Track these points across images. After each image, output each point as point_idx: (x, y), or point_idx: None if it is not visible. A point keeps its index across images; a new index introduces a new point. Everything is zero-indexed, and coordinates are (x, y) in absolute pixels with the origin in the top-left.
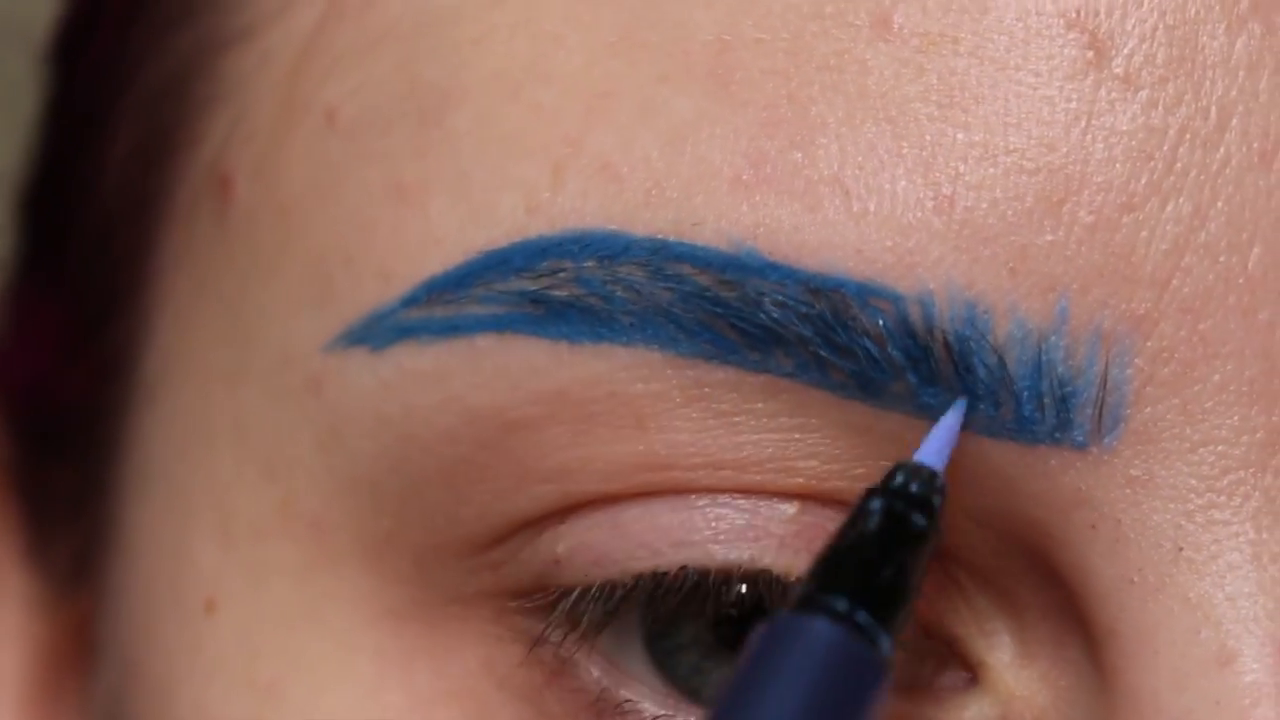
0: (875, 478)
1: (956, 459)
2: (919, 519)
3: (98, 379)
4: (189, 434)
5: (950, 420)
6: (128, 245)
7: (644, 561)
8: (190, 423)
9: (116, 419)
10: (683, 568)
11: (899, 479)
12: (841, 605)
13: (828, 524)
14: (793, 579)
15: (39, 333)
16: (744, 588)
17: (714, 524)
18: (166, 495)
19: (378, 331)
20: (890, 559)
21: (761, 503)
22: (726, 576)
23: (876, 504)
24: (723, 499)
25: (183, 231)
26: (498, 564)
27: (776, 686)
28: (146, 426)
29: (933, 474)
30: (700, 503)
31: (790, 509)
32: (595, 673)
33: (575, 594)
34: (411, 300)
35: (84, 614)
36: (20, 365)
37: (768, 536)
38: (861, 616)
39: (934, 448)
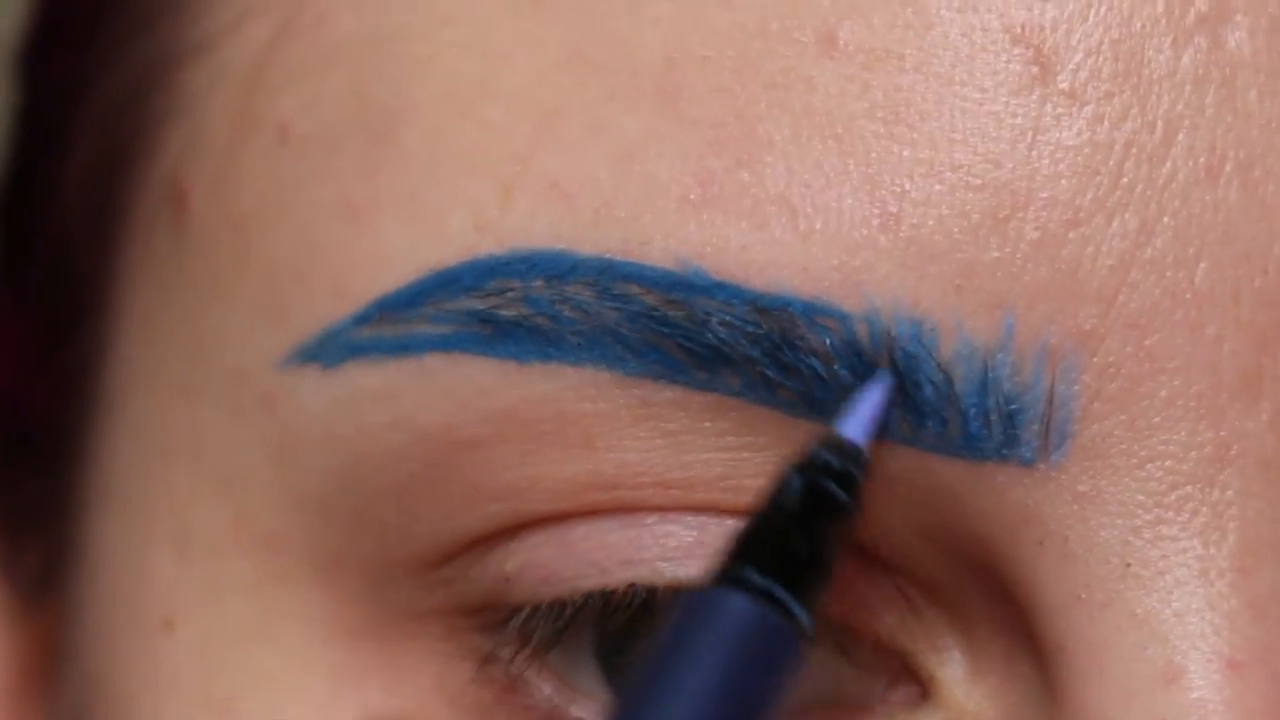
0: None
1: (904, 475)
2: (839, 492)
3: (63, 389)
4: (148, 448)
5: (873, 393)
6: (90, 256)
7: (592, 579)
8: (150, 437)
9: (81, 430)
10: (631, 585)
11: (819, 452)
12: (757, 578)
13: None
14: None
15: (6, 341)
16: None
17: (662, 541)
18: (126, 509)
19: (329, 349)
20: (808, 532)
21: (710, 520)
22: (675, 594)
23: (796, 477)
24: (671, 517)
25: (143, 244)
26: (449, 581)
27: (690, 660)
28: (109, 439)
29: (853, 447)
30: (649, 520)
31: (739, 526)
32: (546, 690)
33: (525, 612)
34: (363, 319)
35: (52, 625)
36: None
37: (716, 554)
38: (777, 590)
39: (856, 421)
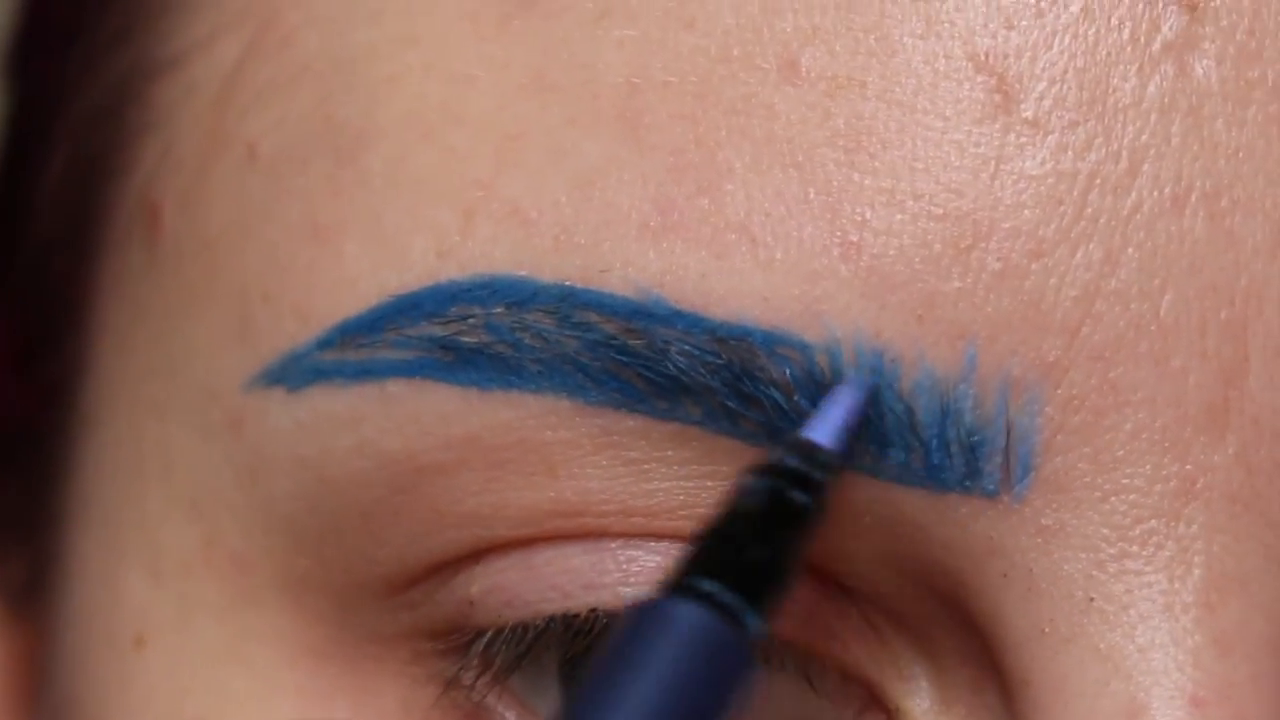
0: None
1: (869, 505)
2: (800, 496)
3: (45, 400)
4: (122, 465)
5: (843, 395)
6: (67, 268)
7: (555, 604)
8: (123, 454)
9: (60, 443)
10: (593, 610)
11: (780, 454)
12: (708, 586)
13: None
14: None
15: None
16: None
17: (625, 566)
18: (101, 526)
19: (294, 372)
20: (765, 538)
21: (674, 546)
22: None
23: (755, 481)
24: (635, 542)
25: (117, 259)
26: (414, 605)
27: (639, 670)
28: (86, 454)
29: (815, 448)
30: (612, 545)
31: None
32: (509, 716)
33: (488, 635)
34: (325, 343)
35: (40, 634)
36: None
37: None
38: (729, 598)
39: (823, 424)
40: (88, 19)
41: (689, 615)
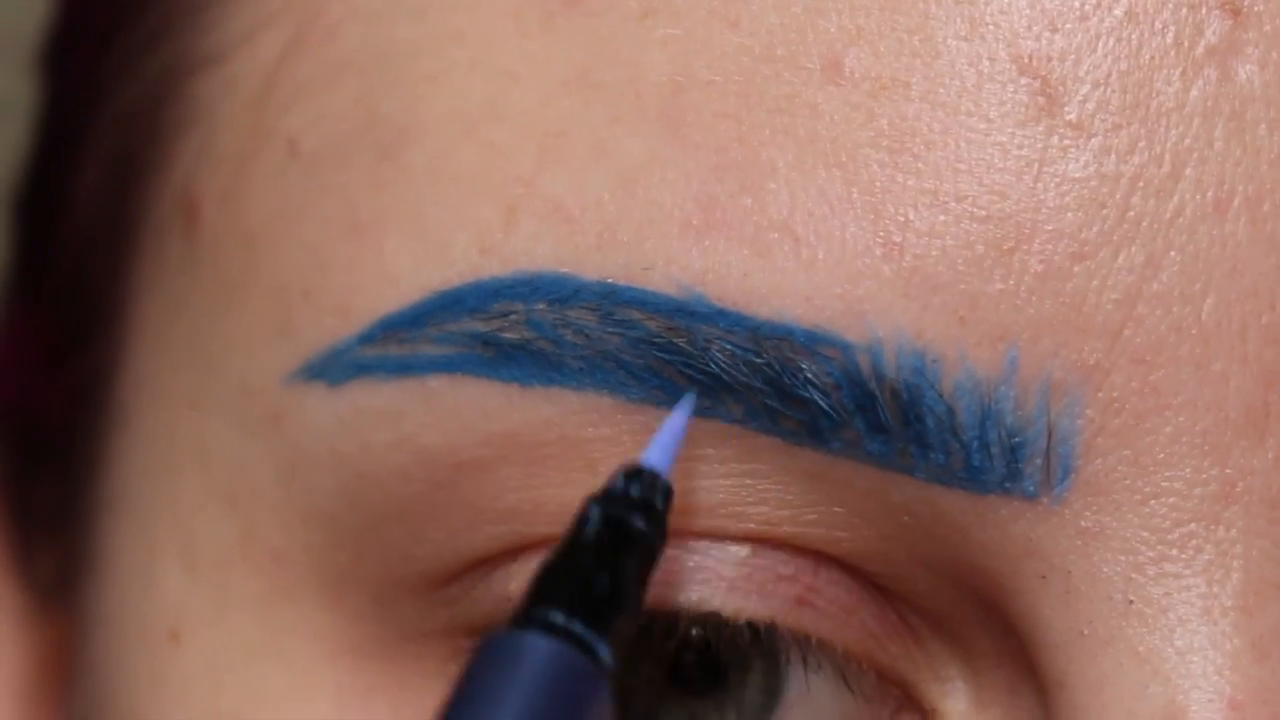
0: (827, 524)
1: (908, 505)
2: (639, 522)
3: (79, 395)
4: (157, 459)
5: (674, 420)
6: (104, 264)
7: None
8: (159, 448)
9: (95, 437)
10: None
11: (619, 483)
12: (556, 617)
13: (779, 566)
14: (742, 621)
15: (24, 346)
16: (694, 630)
17: (663, 565)
18: (135, 520)
19: (335, 368)
20: (608, 566)
21: (712, 545)
22: (675, 619)
23: (594, 510)
24: (673, 540)
25: (154, 254)
26: (452, 601)
27: (493, 704)
28: (119, 449)
29: (654, 476)
30: None
31: (741, 551)
32: None
33: None
34: (367, 338)
35: (68, 629)
36: (6, 376)
37: (717, 579)
38: (576, 626)
39: (658, 449)
40: (125, 16)
41: (541, 647)
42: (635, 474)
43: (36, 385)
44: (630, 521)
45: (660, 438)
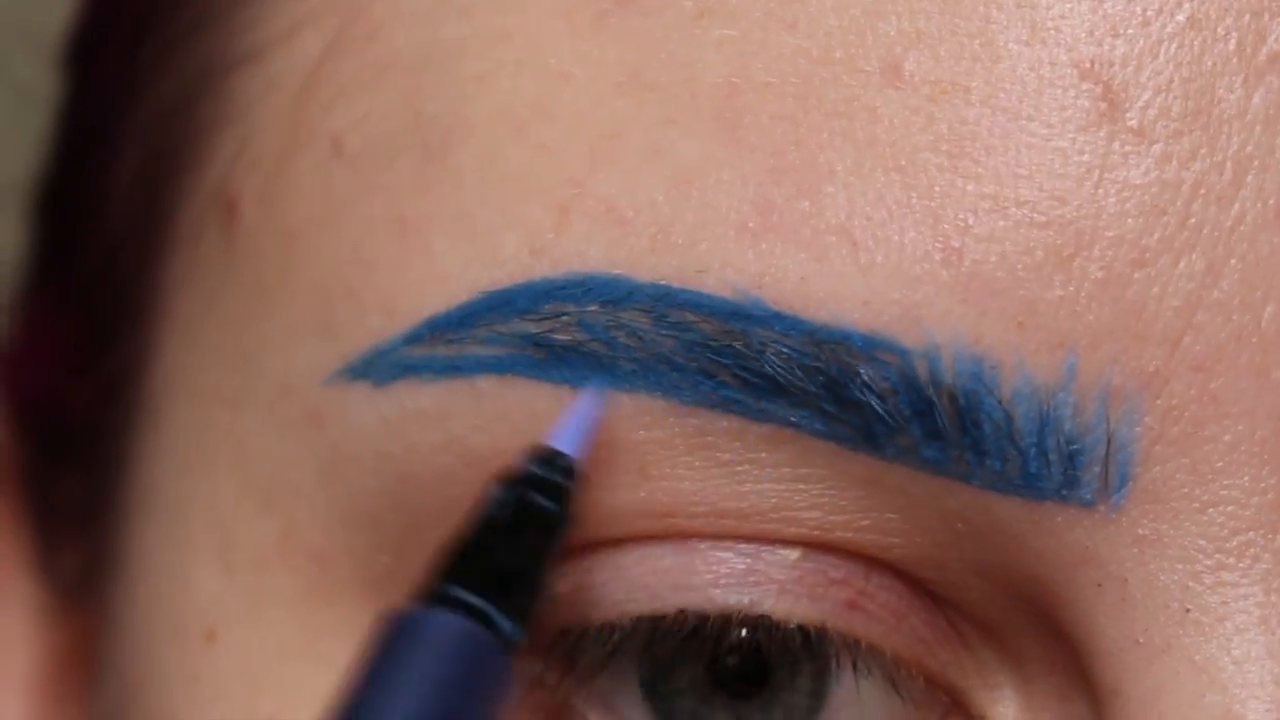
0: (881, 530)
1: (962, 511)
2: (544, 502)
3: (105, 393)
4: (191, 457)
5: (584, 402)
6: (134, 261)
7: (642, 604)
8: (192, 446)
9: (122, 436)
10: (681, 611)
11: (524, 463)
12: (460, 594)
13: (830, 570)
14: (793, 625)
15: (50, 343)
16: (743, 632)
17: (714, 568)
18: (168, 518)
19: (379, 367)
20: (509, 544)
21: (764, 548)
22: (725, 621)
23: (498, 490)
24: (724, 544)
25: (189, 251)
26: None
27: (397, 681)
28: (150, 446)
29: (558, 455)
30: (701, 546)
31: (792, 554)
32: (592, 716)
33: (573, 635)
34: (414, 338)
35: (91, 627)
36: (31, 374)
37: (768, 582)
38: (481, 604)
39: (567, 431)
40: (159, 13)
41: (444, 623)
42: (539, 454)
43: (61, 382)
44: (534, 501)
45: (567, 419)
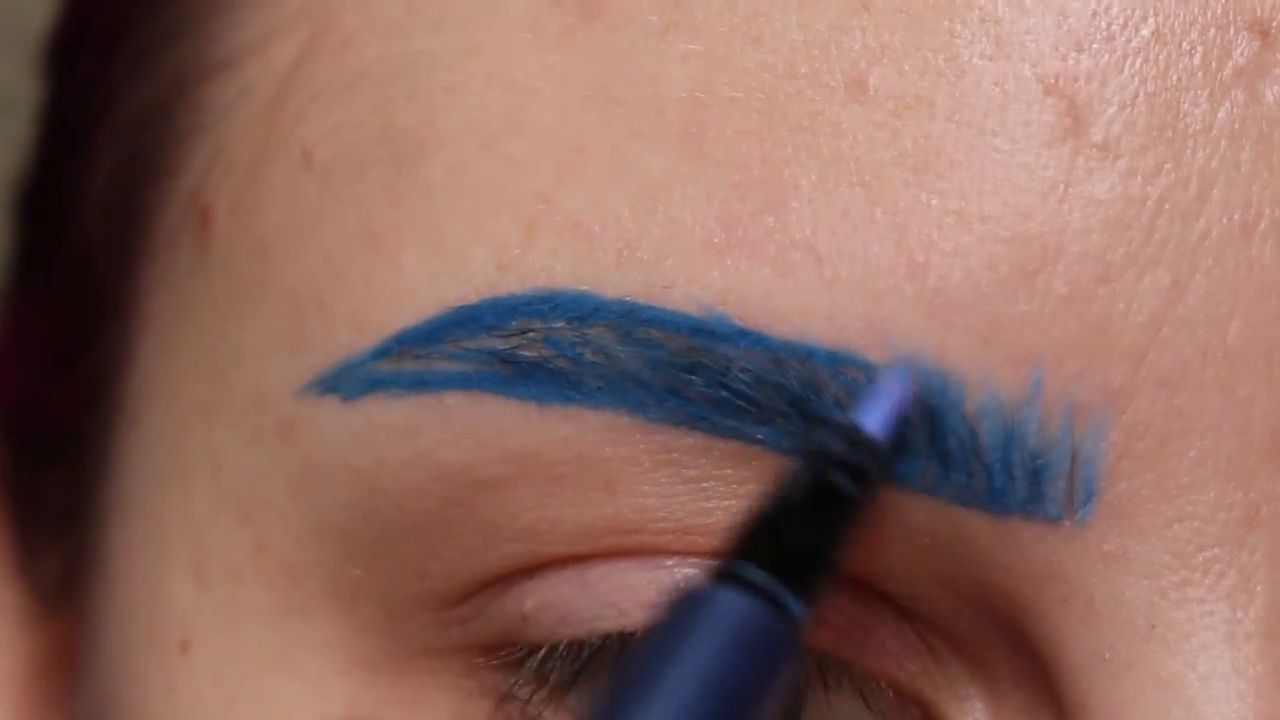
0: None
1: (928, 526)
2: (846, 484)
3: (86, 395)
4: (167, 465)
5: (891, 381)
6: (111, 266)
7: (611, 621)
8: (169, 454)
9: (103, 438)
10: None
11: (829, 442)
12: (753, 574)
13: None
14: None
15: (28, 343)
16: None
17: (681, 584)
18: (144, 525)
19: (349, 381)
20: (810, 525)
21: None
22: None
23: (799, 468)
24: (692, 560)
25: (165, 258)
26: (466, 619)
27: (680, 660)
28: (128, 452)
29: (866, 437)
30: (668, 562)
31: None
32: None
33: (543, 651)
34: (382, 352)
35: (72, 629)
36: (10, 374)
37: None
38: (772, 584)
39: (873, 410)
40: (135, 18)
41: (731, 602)
42: (844, 433)
43: (40, 383)
44: (837, 480)
45: (873, 399)
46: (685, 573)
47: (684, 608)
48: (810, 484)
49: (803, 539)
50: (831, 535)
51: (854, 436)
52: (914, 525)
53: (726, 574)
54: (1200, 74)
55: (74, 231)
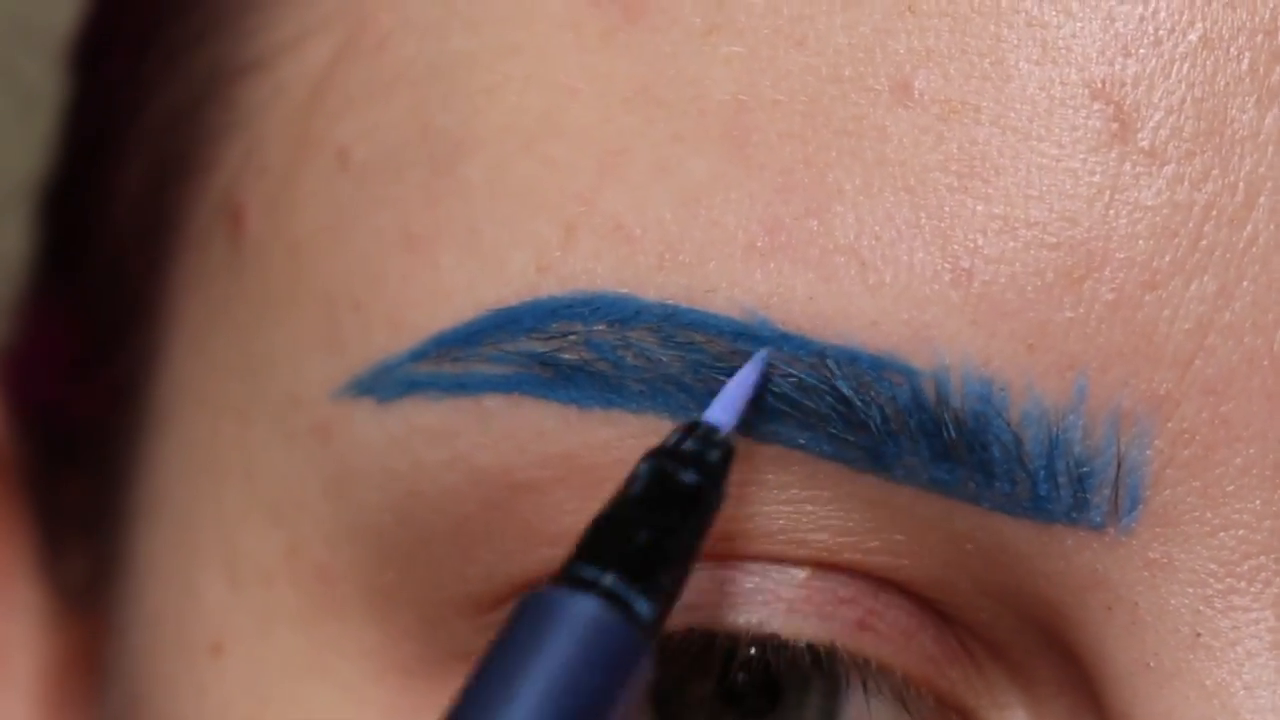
0: (889, 552)
1: (971, 533)
2: (689, 476)
3: (112, 398)
4: (199, 467)
5: (742, 376)
6: (142, 266)
7: None
8: (200, 455)
9: (129, 441)
10: (690, 629)
11: (672, 437)
12: (592, 573)
13: (839, 589)
14: (802, 643)
15: (55, 345)
16: (752, 650)
17: (721, 588)
18: (175, 528)
19: (385, 383)
20: (652, 522)
21: (771, 567)
22: (734, 640)
23: (643, 465)
24: (730, 564)
25: (196, 258)
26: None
27: (526, 665)
28: (157, 454)
29: (710, 429)
30: (708, 565)
31: (801, 574)
32: None
33: None
34: (420, 354)
35: (97, 632)
36: (37, 375)
37: (777, 600)
38: (616, 585)
39: (722, 404)
40: (166, 17)
41: (573, 605)
42: (692, 429)
43: (66, 385)
44: (680, 476)
45: (725, 394)
46: (724, 575)
47: (525, 612)
48: (649, 480)
49: (646, 537)
50: (678, 531)
51: (694, 428)
52: (956, 532)
53: (568, 576)
54: (1248, 79)
55: (103, 232)
